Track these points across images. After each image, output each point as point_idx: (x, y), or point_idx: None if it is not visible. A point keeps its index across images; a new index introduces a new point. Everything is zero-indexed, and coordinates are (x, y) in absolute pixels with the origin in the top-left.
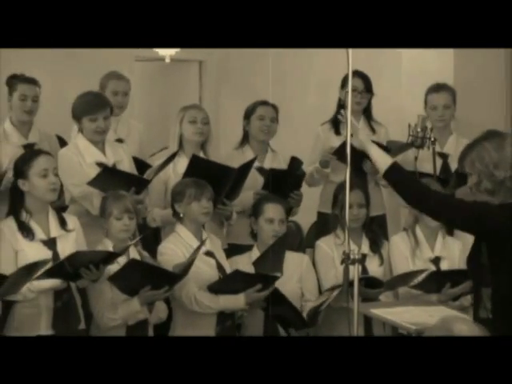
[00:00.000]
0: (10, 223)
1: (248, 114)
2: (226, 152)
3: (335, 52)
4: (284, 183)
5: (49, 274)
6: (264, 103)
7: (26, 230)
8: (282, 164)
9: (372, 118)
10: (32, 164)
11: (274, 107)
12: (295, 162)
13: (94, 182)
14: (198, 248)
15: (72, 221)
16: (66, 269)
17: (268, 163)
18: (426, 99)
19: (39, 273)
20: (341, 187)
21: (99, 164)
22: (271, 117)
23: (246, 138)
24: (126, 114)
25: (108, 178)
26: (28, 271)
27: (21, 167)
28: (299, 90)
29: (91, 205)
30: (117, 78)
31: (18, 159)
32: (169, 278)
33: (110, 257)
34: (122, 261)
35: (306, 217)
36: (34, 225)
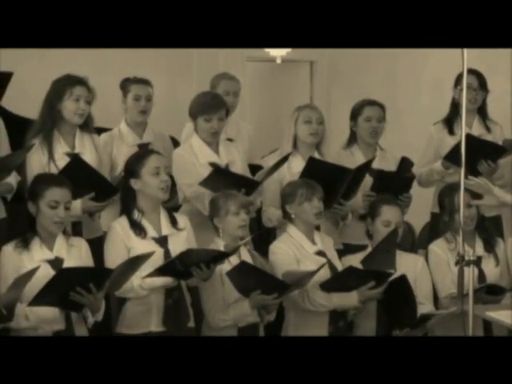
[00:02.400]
0: (123, 222)
1: (355, 115)
2: (334, 151)
3: (448, 50)
4: (392, 185)
5: (160, 272)
6: (371, 103)
7: (138, 228)
8: (391, 164)
9: (487, 116)
10: (144, 163)
11: (381, 106)
12: (405, 163)
13: (205, 183)
14: (316, 271)
15: (183, 220)
16: (177, 267)
17: (377, 163)
18: None
19: (145, 267)
20: (445, 191)
21: (212, 164)
22: (378, 117)
23: (353, 138)
24: (236, 115)
25: (219, 178)
26: (132, 265)
27: (133, 166)
28: (411, 90)
29: (203, 205)
30: (228, 78)
31: (130, 159)
32: (279, 286)
33: (221, 256)
34: (233, 260)
35: (417, 217)
36: (145, 223)
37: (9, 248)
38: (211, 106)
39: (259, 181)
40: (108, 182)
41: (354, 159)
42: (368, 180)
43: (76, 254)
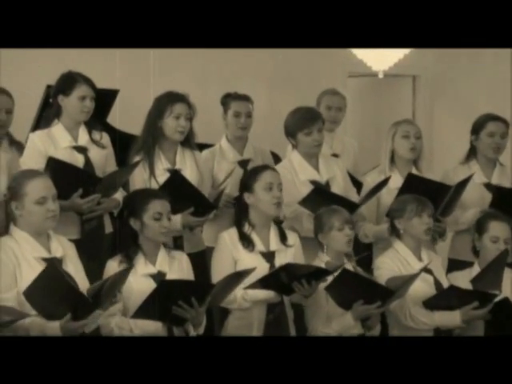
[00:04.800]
0: (233, 233)
1: (477, 129)
2: (452, 166)
3: None
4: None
5: (262, 283)
6: (494, 118)
7: (246, 241)
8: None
9: None
10: (258, 178)
11: (505, 122)
12: None
13: (304, 202)
14: (417, 274)
15: (293, 237)
16: (280, 279)
17: (496, 179)
18: None
19: (249, 279)
20: None
21: (312, 182)
22: (502, 133)
23: (472, 153)
24: (341, 130)
25: (319, 198)
26: (234, 280)
27: (248, 180)
28: None
29: (301, 226)
30: (331, 93)
31: (245, 174)
32: (382, 293)
33: (322, 273)
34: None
35: None
36: (254, 237)
37: (113, 263)
38: (308, 119)
39: (358, 203)
40: (206, 198)
41: (470, 174)
42: (487, 196)
43: (177, 268)
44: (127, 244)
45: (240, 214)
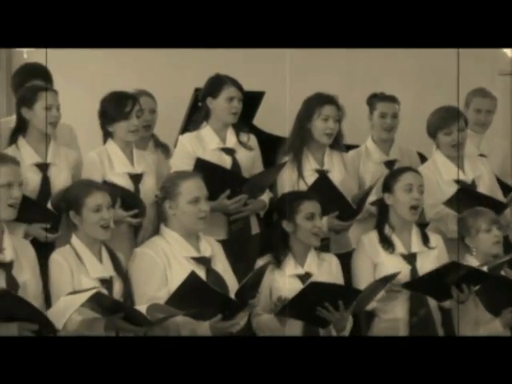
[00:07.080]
0: (373, 237)
1: None
2: None
3: None
4: None
5: (408, 287)
6: None
7: (387, 243)
8: None
9: None
10: (399, 178)
11: None
12: None
13: (449, 203)
14: None
15: (435, 239)
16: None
17: None
18: None
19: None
20: None
21: (456, 181)
22: None
23: None
24: (490, 130)
25: (464, 198)
26: (379, 285)
27: (388, 181)
28: None
29: (446, 227)
30: (481, 95)
31: (388, 175)
32: None
33: (483, 277)
34: None
35: None
36: (395, 238)
37: (261, 263)
38: (447, 119)
39: (507, 203)
40: (350, 204)
41: None
42: None
43: (326, 269)
44: (277, 245)
45: (381, 215)
